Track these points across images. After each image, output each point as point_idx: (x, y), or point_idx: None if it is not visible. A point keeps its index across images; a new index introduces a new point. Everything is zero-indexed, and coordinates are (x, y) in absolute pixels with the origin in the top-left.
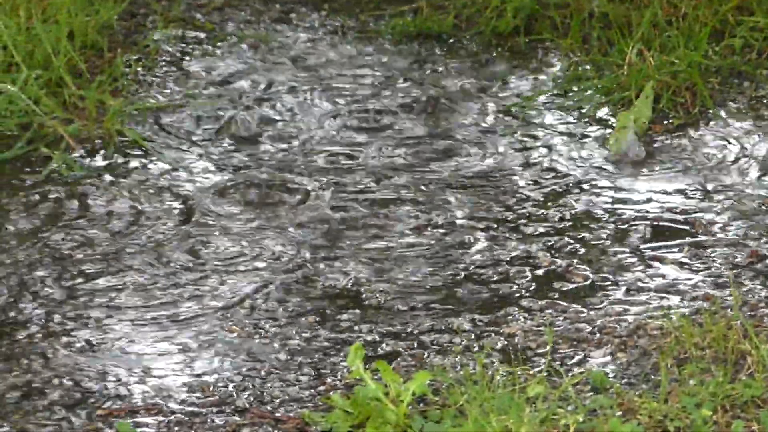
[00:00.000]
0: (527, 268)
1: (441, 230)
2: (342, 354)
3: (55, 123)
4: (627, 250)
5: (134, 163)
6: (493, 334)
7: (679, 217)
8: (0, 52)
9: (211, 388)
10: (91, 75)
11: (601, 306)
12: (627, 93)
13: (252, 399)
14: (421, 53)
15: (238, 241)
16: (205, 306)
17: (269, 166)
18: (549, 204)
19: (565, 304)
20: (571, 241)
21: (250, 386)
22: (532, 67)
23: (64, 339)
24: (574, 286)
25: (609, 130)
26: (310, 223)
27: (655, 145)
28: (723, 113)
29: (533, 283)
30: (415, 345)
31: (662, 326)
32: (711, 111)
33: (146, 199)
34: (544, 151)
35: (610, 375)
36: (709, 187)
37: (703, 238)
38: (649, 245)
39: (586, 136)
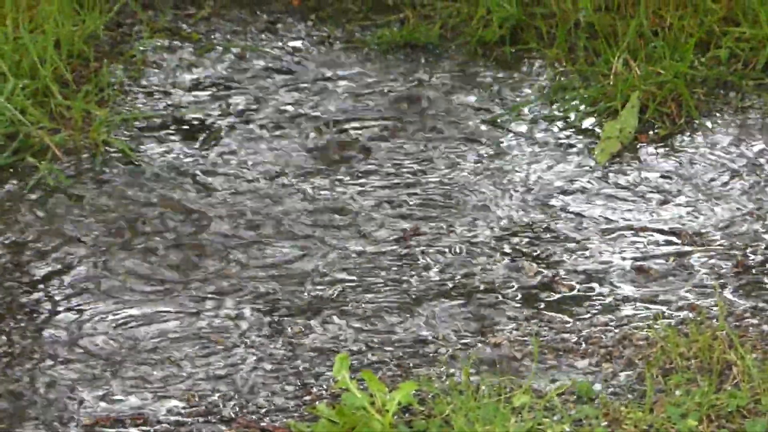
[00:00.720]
0: (513, 278)
1: (426, 239)
2: (328, 364)
3: (42, 133)
4: (613, 260)
5: (120, 173)
6: (479, 344)
7: (665, 227)
8: None
9: (197, 398)
10: (77, 85)
11: (587, 316)
12: (613, 103)
13: (238, 409)
14: (407, 63)
15: (226, 251)
16: (191, 316)
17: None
18: (535, 214)
19: (551, 314)
20: (557, 251)
21: (236, 396)
22: (517, 76)
23: (48, 349)
24: (560, 296)
25: (595, 140)
26: (297, 233)
27: (641, 156)
28: (709, 123)
29: (519, 293)
30: (401, 355)
31: (648, 336)
32: (697, 121)
33: (133, 208)
34: (529, 161)
35: (596, 385)
36: (695, 197)
37: (689, 248)
38: (634, 255)
39: (572, 146)
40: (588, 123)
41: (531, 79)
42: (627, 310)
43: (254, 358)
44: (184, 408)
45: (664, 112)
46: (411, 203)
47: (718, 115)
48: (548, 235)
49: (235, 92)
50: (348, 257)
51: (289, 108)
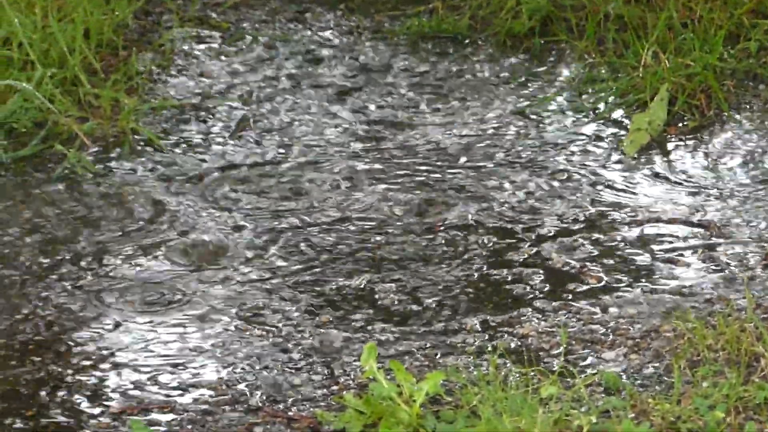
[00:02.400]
0: (541, 269)
1: (454, 230)
2: (355, 353)
3: (70, 121)
4: (641, 251)
5: (148, 162)
6: (506, 335)
7: (694, 219)
8: (16, 51)
9: (224, 386)
10: (106, 74)
11: (614, 307)
12: (642, 95)
13: (265, 398)
14: (436, 54)
15: (254, 238)
16: (219, 305)
17: (284, 164)
18: (563, 205)
19: (578, 305)
20: (585, 243)
21: (263, 385)
22: (547, 68)
23: (77, 337)
24: (588, 287)
25: (624, 132)
26: (324, 220)
27: (670, 147)
28: (738, 116)
29: (546, 284)
30: (428, 345)
31: (675, 328)
32: (726, 113)
33: (161, 196)
34: (558, 152)
35: (623, 376)
36: (724, 188)
37: (718, 239)
38: (663, 247)
39: (601, 138)
40: (617, 115)
41: (560, 71)
42: (655, 301)
43: (282, 347)
44: (211, 396)
45: (693, 105)
46: (438, 192)
47: (747, 107)
48: (576, 226)
49: (262, 82)
50: (371, 247)
51: (319, 94)
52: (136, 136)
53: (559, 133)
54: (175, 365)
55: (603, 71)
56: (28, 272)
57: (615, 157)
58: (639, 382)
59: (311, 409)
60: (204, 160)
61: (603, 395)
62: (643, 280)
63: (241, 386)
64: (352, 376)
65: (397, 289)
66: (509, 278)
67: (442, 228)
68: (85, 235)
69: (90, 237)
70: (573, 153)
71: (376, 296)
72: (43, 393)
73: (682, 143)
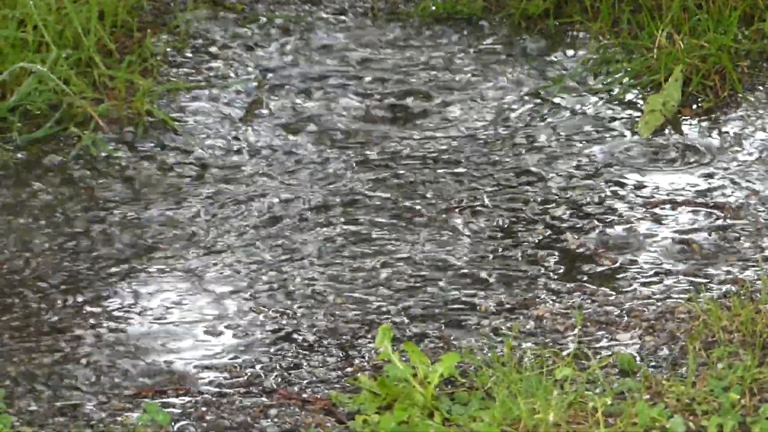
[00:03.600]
0: (555, 251)
1: (469, 211)
2: (370, 335)
3: (85, 103)
4: (656, 233)
5: (163, 143)
6: (521, 317)
7: (708, 201)
8: (31, 32)
9: (239, 369)
10: (120, 55)
11: (629, 289)
12: (656, 76)
13: (279, 380)
14: (450, 35)
15: (266, 220)
16: (233, 287)
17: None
18: (577, 186)
19: (593, 287)
20: (600, 224)
21: (278, 367)
22: (561, 49)
23: (92, 320)
24: (603, 268)
25: (638, 113)
26: (337, 198)
27: (684, 129)
28: (752, 97)
29: (561, 266)
30: (443, 327)
31: (690, 310)
32: (740, 95)
33: (175, 178)
34: (572, 133)
35: (638, 358)
36: (739, 170)
37: (732, 221)
38: (677, 228)
39: (615, 119)
40: (631, 96)
41: (574, 52)
42: (669, 283)
43: (296, 328)
44: (225, 379)
45: (707, 86)
46: (451, 174)
47: (761, 88)
48: (591, 208)
49: (277, 62)
50: (390, 228)
51: (333, 78)
52: (150, 118)
53: (574, 114)
54: (190, 349)
55: (617, 52)
56: (42, 253)
57: (629, 138)
58: (654, 363)
59: (326, 391)
60: (214, 144)
61: (618, 377)
62: (658, 262)
63: (256, 368)
64: (367, 358)
65: (412, 272)
66: (524, 260)
67: (456, 209)
68: (101, 217)
69: (106, 220)
70: (587, 134)
71: (391, 276)
72: (57, 375)
73: (696, 124)
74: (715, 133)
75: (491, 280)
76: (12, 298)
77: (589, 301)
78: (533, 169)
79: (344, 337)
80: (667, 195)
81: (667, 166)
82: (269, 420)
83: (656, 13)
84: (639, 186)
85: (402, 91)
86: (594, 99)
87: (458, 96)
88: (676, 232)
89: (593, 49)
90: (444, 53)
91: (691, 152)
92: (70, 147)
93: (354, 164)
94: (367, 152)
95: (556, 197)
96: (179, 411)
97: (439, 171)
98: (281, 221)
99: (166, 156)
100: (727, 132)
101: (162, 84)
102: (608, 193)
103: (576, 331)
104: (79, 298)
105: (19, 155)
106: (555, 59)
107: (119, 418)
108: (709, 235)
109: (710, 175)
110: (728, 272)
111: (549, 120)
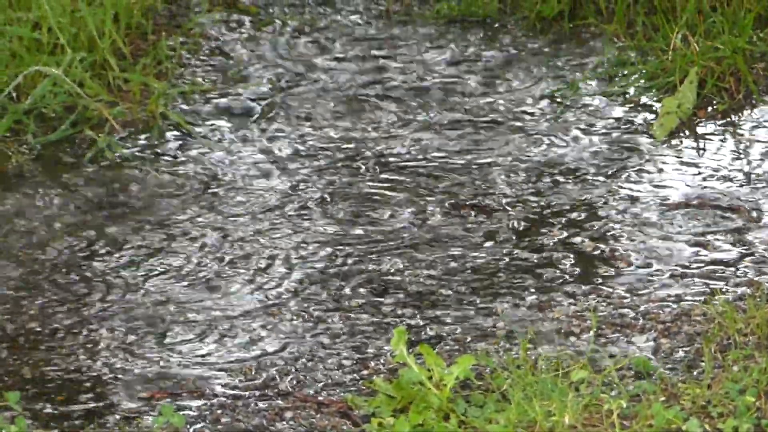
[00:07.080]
0: (571, 253)
1: (485, 214)
2: (385, 338)
3: (100, 105)
4: (671, 235)
5: (177, 146)
6: (537, 319)
7: (723, 203)
8: (45, 34)
9: (254, 371)
10: (135, 58)
11: (644, 292)
12: (671, 78)
13: (295, 383)
14: (465, 37)
15: (279, 224)
16: (248, 290)
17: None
18: (593, 189)
19: (608, 289)
20: (615, 226)
21: (293, 370)
22: (576, 52)
23: (108, 323)
24: (618, 271)
25: (653, 116)
26: (350, 203)
27: (699, 131)
28: (767, 98)
29: (577, 268)
30: (459, 329)
31: (706, 312)
32: (756, 97)
33: (189, 181)
34: (587, 136)
35: (654, 360)
36: (753, 172)
37: (748, 223)
38: (693, 231)
39: (631, 122)
40: (646, 98)
41: (590, 55)
42: (685, 285)
43: (312, 332)
44: (241, 381)
45: (722, 88)
46: (465, 176)
47: None
48: (606, 210)
49: (291, 65)
50: (402, 230)
51: (347, 82)
52: (165, 121)
53: (588, 116)
54: (205, 351)
55: (632, 54)
56: (58, 257)
57: (644, 140)
58: (669, 366)
59: (341, 394)
60: (231, 148)
61: (633, 379)
62: (674, 264)
63: (271, 371)
64: (382, 361)
65: (427, 274)
66: (539, 262)
67: (471, 210)
68: (116, 220)
69: (121, 222)
70: (602, 136)
71: (407, 280)
72: (73, 378)
73: (711, 126)
74: (730, 135)
75: (507, 282)
76: (26, 300)
77: (604, 303)
78: (548, 170)
79: (360, 339)
80: (683, 197)
81: (683, 168)
82: (285, 423)
83: (671, 16)
84: (654, 188)
85: (414, 89)
86: (609, 101)
87: (472, 98)
88: (691, 234)
89: (608, 51)
90: (459, 55)
91: (705, 154)
92: (84, 150)
93: (374, 166)
94: (379, 154)
95: (571, 199)
96: (194, 413)
97: (454, 172)
98: (292, 219)
99: (179, 158)
100: (742, 134)
101: (176, 87)
102: (623, 196)
103: (591, 333)
104: (96, 297)
105: (34, 158)
106: (569, 62)
107: (134, 421)
108: (724, 237)
109: (726, 178)
110: (744, 274)
111: (563, 122)
